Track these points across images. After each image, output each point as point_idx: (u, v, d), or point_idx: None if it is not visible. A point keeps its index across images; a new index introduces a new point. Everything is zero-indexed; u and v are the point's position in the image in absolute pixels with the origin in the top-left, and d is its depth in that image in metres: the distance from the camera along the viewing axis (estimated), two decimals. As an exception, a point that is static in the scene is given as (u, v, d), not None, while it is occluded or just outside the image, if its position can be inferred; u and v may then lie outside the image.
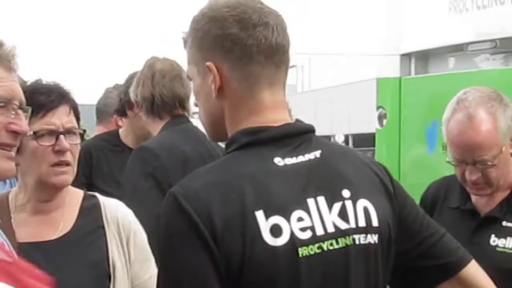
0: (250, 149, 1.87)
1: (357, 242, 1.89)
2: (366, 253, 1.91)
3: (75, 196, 2.58)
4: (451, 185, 3.04)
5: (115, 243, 2.53)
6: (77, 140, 2.51)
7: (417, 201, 2.25)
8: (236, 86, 1.89)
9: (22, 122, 1.88)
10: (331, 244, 1.85)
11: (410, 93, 5.47)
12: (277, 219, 1.80)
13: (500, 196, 2.93)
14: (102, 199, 2.60)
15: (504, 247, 2.84)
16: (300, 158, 1.89)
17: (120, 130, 4.34)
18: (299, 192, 1.85)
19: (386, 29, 5.82)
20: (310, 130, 1.94)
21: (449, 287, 2.05)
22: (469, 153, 2.81)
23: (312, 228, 1.83)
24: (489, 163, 2.80)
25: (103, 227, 2.53)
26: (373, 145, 5.67)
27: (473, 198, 2.98)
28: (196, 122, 4.30)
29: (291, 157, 1.87)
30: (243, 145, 1.87)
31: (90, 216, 2.54)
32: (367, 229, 1.90)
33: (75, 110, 2.53)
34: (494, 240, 2.87)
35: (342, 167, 1.93)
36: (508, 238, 2.85)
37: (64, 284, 2.40)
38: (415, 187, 3.18)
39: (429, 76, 5.49)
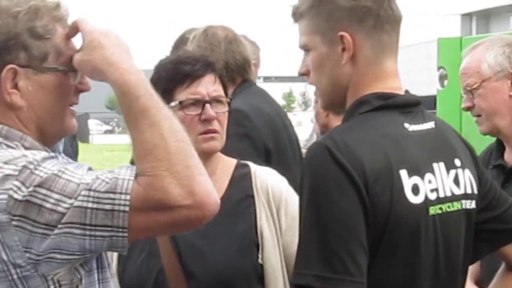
0: (382, 112, 2.03)
1: (464, 207, 2.09)
2: (469, 217, 2.13)
3: (227, 164, 2.57)
4: (495, 148, 3.09)
5: (264, 212, 2.49)
6: (224, 109, 2.50)
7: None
8: (368, 53, 2.05)
9: (87, 80, 1.92)
10: (448, 207, 2.05)
11: (471, 53, 5.40)
12: (416, 179, 1.98)
13: None
14: (254, 167, 2.59)
15: None
16: (421, 126, 2.07)
17: None
18: (426, 156, 2.04)
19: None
20: (420, 102, 2.12)
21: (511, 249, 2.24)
22: (461, 79, 2.98)
23: (436, 190, 2.02)
24: (468, 88, 2.91)
25: (252, 197, 2.51)
26: (432, 108, 5.61)
27: (506, 154, 3.01)
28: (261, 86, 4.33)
29: (416, 124, 2.06)
30: (376, 108, 2.03)
31: (240, 185, 2.53)
32: (471, 196, 2.13)
33: (221, 79, 2.52)
34: None
35: (451, 139, 2.14)
36: None
37: (211, 253, 2.43)
38: (477, 147, 3.18)
39: (490, 35, 5.41)
